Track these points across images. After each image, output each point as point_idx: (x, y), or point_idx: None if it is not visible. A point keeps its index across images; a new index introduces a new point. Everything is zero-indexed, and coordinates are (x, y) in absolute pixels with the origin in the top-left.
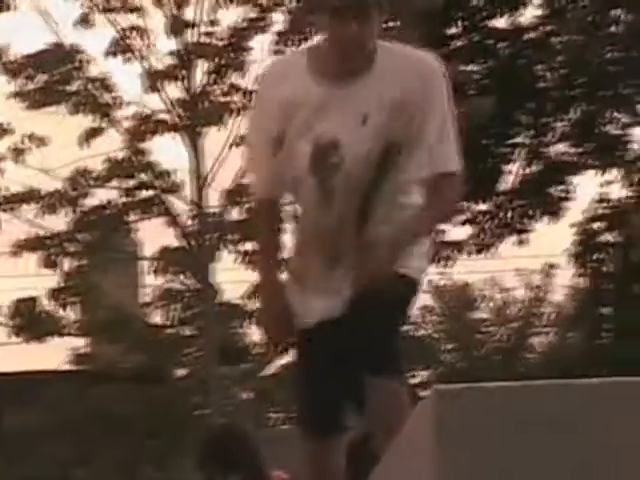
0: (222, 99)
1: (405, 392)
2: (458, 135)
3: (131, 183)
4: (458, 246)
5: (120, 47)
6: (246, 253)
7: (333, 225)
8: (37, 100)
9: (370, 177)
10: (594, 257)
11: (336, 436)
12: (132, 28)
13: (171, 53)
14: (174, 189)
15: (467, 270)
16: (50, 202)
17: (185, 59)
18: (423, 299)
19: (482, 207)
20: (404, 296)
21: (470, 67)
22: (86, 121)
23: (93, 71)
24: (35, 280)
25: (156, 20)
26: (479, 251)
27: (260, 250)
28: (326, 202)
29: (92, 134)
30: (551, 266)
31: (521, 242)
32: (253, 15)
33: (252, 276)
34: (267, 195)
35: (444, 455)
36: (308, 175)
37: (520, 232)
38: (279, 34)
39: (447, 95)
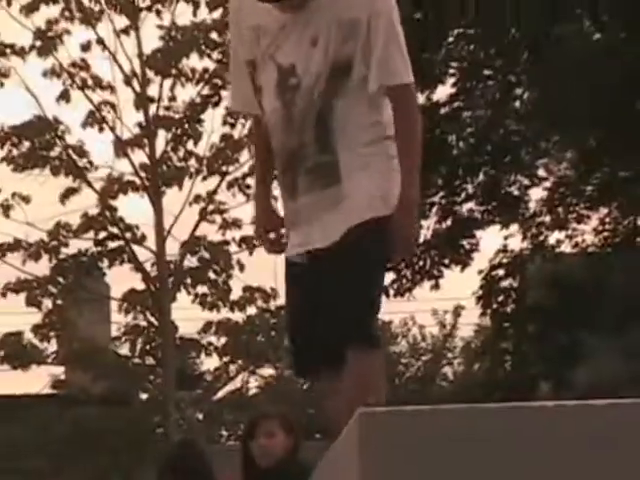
0: (180, 164)
1: (374, 356)
2: None
3: (103, 235)
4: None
5: (94, 119)
6: (201, 295)
7: (294, 147)
8: (22, 164)
9: (322, 97)
10: (497, 299)
11: (317, 376)
12: (105, 103)
13: (138, 124)
14: (139, 240)
15: (388, 311)
16: (33, 251)
17: (149, 129)
18: None
19: None
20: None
21: None
22: (65, 182)
23: (71, 139)
24: (21, 317)
25: (125, 96)
26: (399, 294)
27: (254, 164)
28: (289, 124)
29: (70, 193)
30: (460, 307)
31: (435, 286)
32: (206, 92)
33: (206, 314)
34: (239, 109)
35: (368, 472)
36: (274, 99)
37: (434, 278)
38: (229, 108)
39: (394, 14)
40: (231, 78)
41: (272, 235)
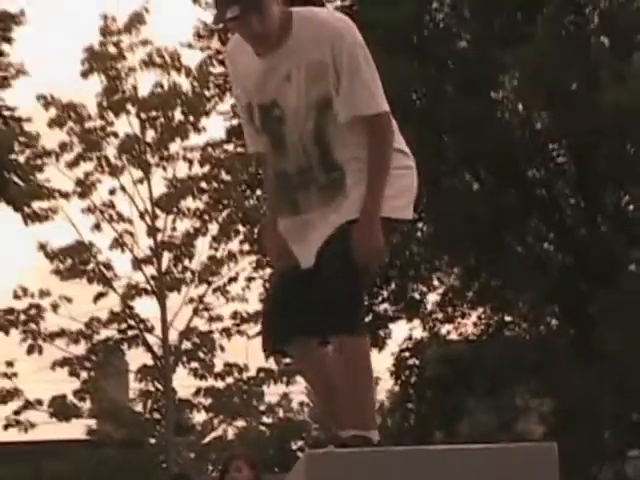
0: (179, 276)
1: (363, 342)
2: None
3: (123, 326)
4: None
5: (118, 243)
6: (193, 369)
7: (294, 172)
8: (67, 275)
9: (314, 124)
10: (404, 373)
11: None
12: (125, 232)
13: (149, 247)
14: (149, 330)
15: None
16: (74, 337)
17: (157, 251)
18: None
19: None
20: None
21: None
22: (97, 288)
23: (101, 258)
24: (65, 385)
25: (140, 227)
26: None
27: (265, 196)
28: (280, 151)
29: (100, 296)
30: (378, 378)
31: None
32: (198, 225)
33: (197, 382)
34: (253, 150)
35: None
36: (262, 132)
37: None
38: (213, 237)
39: (357, 49)
40: (242, 125)
41: (277, 251)
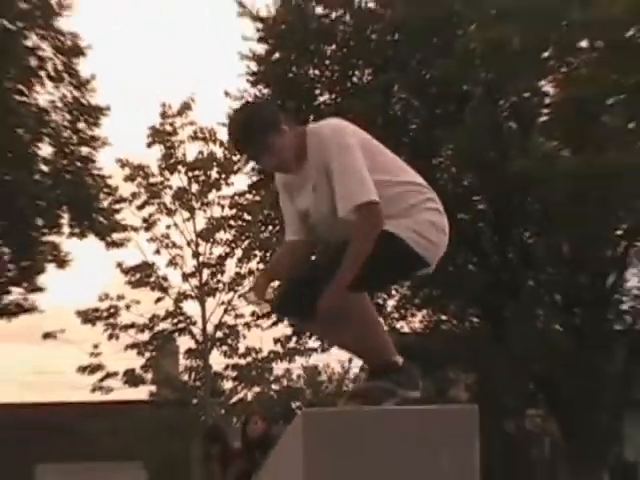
0: (214, 285)
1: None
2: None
3: (175, 321)
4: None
5: (172, 262)
6: (224, 351)
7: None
8: (136, 284)
9: (336, 222)
10: None
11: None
12: (177, 255)
13: (193, 266)
14: (193, 323)
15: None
16: (140, 328)
17: (199, 269)
18: None
19: None
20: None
21: None
22: (157, 294)
23: (160, 273)
24: (134, 361)
25: (187, 252)
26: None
27: (272, 261)
28: (320, 249)
29: (159, 300)
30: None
31: None
32: (227, 251)
33: (226, 360)
34: (290, 238)
35: (309, 460)
36: (302, 231)
37: None
38: (238, 259)
39: (341, 149)
40: (285, 220)
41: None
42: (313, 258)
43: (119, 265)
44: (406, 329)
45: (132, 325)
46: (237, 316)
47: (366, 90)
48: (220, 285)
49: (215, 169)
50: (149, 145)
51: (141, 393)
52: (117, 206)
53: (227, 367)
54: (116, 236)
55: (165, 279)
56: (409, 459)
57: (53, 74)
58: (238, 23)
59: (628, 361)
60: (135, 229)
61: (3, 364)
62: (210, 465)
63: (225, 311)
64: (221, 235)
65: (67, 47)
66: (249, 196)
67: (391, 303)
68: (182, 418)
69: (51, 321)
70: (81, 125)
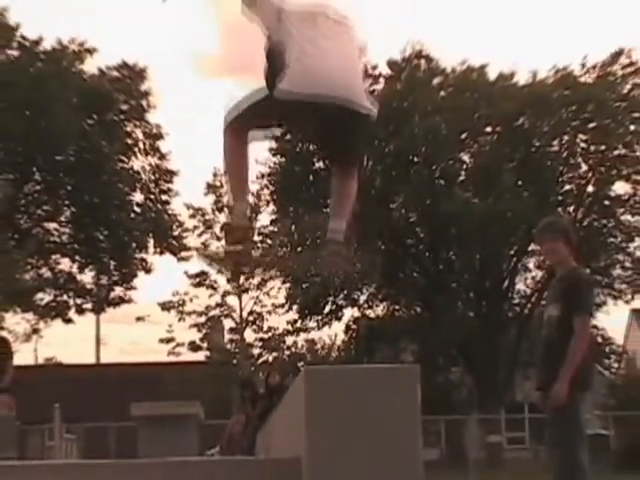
0: (247, 286)
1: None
2: None
3: (222, 309)
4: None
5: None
6: (254, 329)
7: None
8: (195, 285)
9: None
10: (351, 333)
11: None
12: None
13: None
14: (234, 311)
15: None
16: (199, 314)
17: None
18: None
19: None
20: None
21: None
22: (210, 292)
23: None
24: (196, 335)
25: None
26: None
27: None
28: None
29: (211, 295)
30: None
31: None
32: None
33: (255, 335)
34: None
35: (308, 402)
36: None
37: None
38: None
39: None
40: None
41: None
42: None
43: (185, 272)
44: (373, 315)
45: (194, 312)
46: (262, 306)
47: None
48: (251, 286)
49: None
50: (205, 194)
51: (199, 356)
52: (184, 234)
53: (255, 340)
54: (183, 254)
55: (215, 282)
56: (374, 404)
57: (142, 150)
58: None
59: (518, 336)
60: (196, 249)
61: (111, 338)
62: (244, 404)
63: (254, 303)
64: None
65: (152, 133)
66: (270, 227)
67: (363, 298)
68: (226, 373)
69: (141, 309)
70: (160, 182)
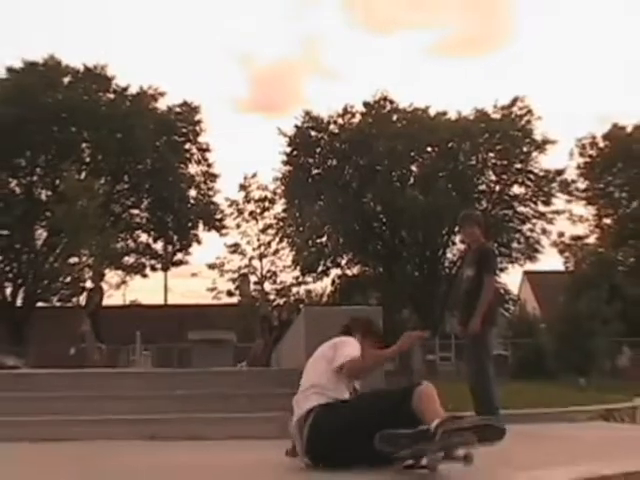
0: (265, 260)
1: None
2: None
3: (249, 268)
4: None
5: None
6: (271, 282)
7: None
8: (231, 251)
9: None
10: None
11: None
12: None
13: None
14: (256, 269)
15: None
16: (234, 278)
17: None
18: None
19: None
20: None
21: None
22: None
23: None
24: (230, 285)
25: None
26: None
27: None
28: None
29: (241, 259)
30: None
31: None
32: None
33: (271, 286)
34: None
35: (307, 332)
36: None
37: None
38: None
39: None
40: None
41: None
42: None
43: (225, 244)
44: (350, 274)
45: (230, 270)
46: (276, 267)
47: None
48: (269, 253)
49: (267, 202)
50: (238, 191)
51: (233, 300)
52: (224, 218)
53: (271, 289)
54: (223, 231)
55: (244, 250)
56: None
57: (196, 160)
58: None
59: (447, 288)
60: (232, 228)
61: (174, 287)
62: (263, 332)
63: (271, 264)
64: (269, 231)
65: (202, 148)
66: (282, 214)
67: (343, 262)
68: (251, 312)
69: (195, 268)
70: (208, 182)
